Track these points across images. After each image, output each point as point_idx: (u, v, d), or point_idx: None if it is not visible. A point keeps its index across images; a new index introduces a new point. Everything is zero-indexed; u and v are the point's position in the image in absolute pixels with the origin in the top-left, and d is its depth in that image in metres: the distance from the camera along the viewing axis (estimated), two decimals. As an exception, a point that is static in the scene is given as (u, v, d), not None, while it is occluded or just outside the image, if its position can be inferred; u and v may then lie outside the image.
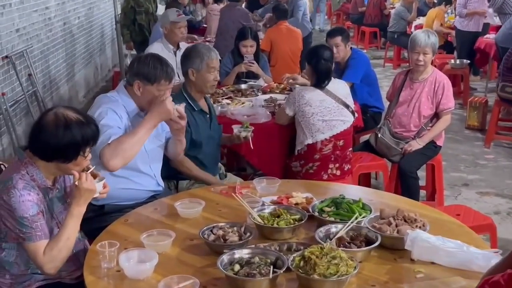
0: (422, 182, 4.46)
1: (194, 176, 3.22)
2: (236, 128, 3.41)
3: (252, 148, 3.32)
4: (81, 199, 2.14)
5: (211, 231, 2.23)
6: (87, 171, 2.18)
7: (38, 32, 6.20)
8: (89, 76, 8.39)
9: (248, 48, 4.97)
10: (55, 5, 6.85)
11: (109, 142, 2.51)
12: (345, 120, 3.73)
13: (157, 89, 2.74)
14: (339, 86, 3.79)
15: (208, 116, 3.35)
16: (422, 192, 4.54)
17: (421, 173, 4.45)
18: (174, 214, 2.50)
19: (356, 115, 3.95)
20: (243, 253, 2.03)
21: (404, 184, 4.14)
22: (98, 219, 2.68)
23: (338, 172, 3.80)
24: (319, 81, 3.69)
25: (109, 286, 1.97)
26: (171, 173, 3.23)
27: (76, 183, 2.13)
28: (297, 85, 3.85)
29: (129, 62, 4.09)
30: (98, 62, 9.01)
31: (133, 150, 2.55)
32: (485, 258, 2.01)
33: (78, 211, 2.15)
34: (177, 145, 2.98)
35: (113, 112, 2.67)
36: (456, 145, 6.15)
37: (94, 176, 2.21)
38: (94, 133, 2.18)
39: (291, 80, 4.52)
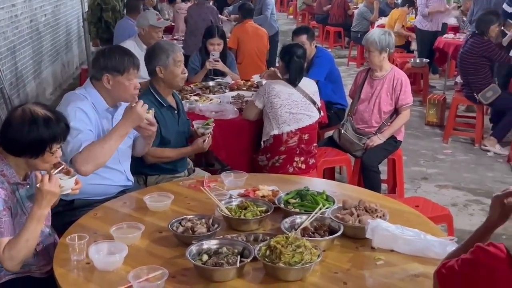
0: (383, 176, 4.57)
1: (167, 156, 3.21)
2: (196, 124, 3.41)
3: (206, 148, 3.32)
4: (43, 201, 2.07)
5: (180, 223, 2.24)
6: (58, 168, 2.16)
7: (4, 30, 6.08)
8: (56, 73, 8.26)
9: (215, 46, 4.99)
10: (21, 2, 6.73)
11: (80, 150, 2.50)
12: (311, 115, 3.79)
13: (127, 78, 2.73)
14: (308, 84, 3.86)
15: (176, 112, 3.35)
16: (384, 186, 4.64)
17: (383, 168, 4.55)
18: (143, 208, 2.50)
19: (322, 113, 4.02)
20: (211, 244, 2.05)
21: (366, 178, 4.23)
22: (67, 214, 2.66)
23: (303, 166, 3.85)
24: (291, 77, 3.75)
25: (79, 278, 1.97)
26: (140, 168, 3.23)
27: (38, 185, 2.08)
28: (267, 80, 3.89)
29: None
30: (65, 60, 8.87)
31: (105, 158, 2.57)
32: (442, 245, 2.07)
33: (40, 213, 2.08)
34: (146, 146, 3.00)
35: (82, 112, 2.65)
36: (416, 141, 6.29)
37: (67, 172, 2.19)
38: (62, 131, 2.16)
39: (270, 73, 4.55)
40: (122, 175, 2.91)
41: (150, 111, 2.76)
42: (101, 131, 2.74)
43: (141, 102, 2.66)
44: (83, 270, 2.01)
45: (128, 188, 2.93)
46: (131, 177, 2.99)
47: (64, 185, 2.16)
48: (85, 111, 2.67)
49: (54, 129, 2.12)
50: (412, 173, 5.32)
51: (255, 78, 4.97)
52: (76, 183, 2.24)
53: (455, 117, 6.40)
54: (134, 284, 1.85)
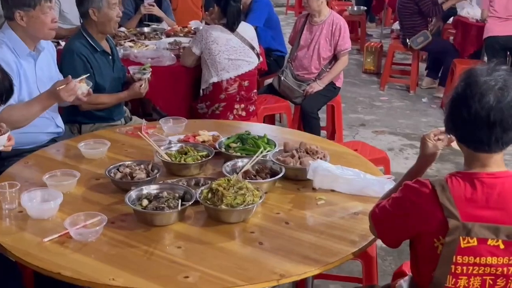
0: (323, 123, 4.62)
1: (102, 102, 3.10)
2: (132, 69, 3.29)
3: (143, 93, 3.21)
4: None
5: (118, 169, 2.19)
6: None
7: None
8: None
9: (150, -10, 4.81)
10: None
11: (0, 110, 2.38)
12: (250, 61, 3.74)
13: (41, 12, 2.60)
14: (246, 29, 3.79)
15: (110, 57, 3.22)
16: (323, 133, 4.70)
17: (322, 115, 4.59)
18: (78, 156, 2.43)
19: (261, 58, 3.97)
20: (151, 189, 2.02)
21: (306, 124, 4.27)
22: (-5, 165, 2.54)
23: (244, 113, 3.83)
24: (229, 22, 3.65)
25: (11, 227, 1.89)
26: (73, 116, 3.11)
27: None
28: (205, 24, 3.79)
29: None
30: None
31: (25, 123, 2.49)
32: (380, 183, 2.12)
33: None
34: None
35: (1, 61, 2.49)
36: (354, 89, 6.38)
37: None
38: (6, 91, 2.06)
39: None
40: (50, 121, 2.79)
41: (84, 80, 2.66)
42: (23, 78, 2.61)
43: (73, 82, 2.52)
44: (16, 218, 1.93)
45: (59, 135, 2.83)
46: (61, 124, 2.88)
47: None
48: (4, 60, 2.52)
49: None
50: (350, 120, 5.41)
51: (192, 24, 4.84)
52: (9, 139, 2.13)
53: (391, 64, 6.51)
54: (71, 231, 1.80)
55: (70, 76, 2.54)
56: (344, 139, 4.76)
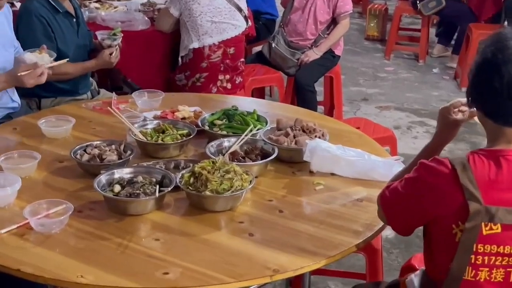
0: (319, 98, 4.63)
1: (66, 72, 3.06)
2: (100, 35, 3.24)
3: (114, 62, 3.18)
4: None
5: (85, 150, 2.18)
6: None
7: None
8: None
9: None
10: None
11: None
12: (236, 24, 3.72)
13: None
14: (232, -13, 3.75)
15: (74, 20, 3.17)
16: (320, 108, 4.71)
17: (319, 88, 4.60)
18: (38, 135, 2.41)
19: (250, 22, 3.95)
20: (123, 173, 2.01)
21: (301, 99, 4.28)
22: None
23: (229, 85, 3.82)
24: None
25: (-39, 217, 1.88)
26: (31, 89, 3.05)
27: None
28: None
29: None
30: None
31: None
32: (387, 166, 2.13)
33: None
34: None
35: None
36: (355, 58, 6.39)
37: None
38: None
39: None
40: (3, 95, 2.76)
41: (45, 50, 2.66)
42: None
43: (42, 67, 2.53)
44: (-34, 207, 1.92)
45: (15, 111, 2.81)
46: (17, 98, 2.86)
47: None
48: None
49: None
50: (351, 94, 5.43)
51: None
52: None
53: (398, 30, 6.51)
54: (32, 221, 1.78)
55: (37, 62, 2.55)
56: (344, 115, 4.78)
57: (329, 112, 4.75)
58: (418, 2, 5.95)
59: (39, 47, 2.74)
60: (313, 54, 4.28)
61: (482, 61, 1.51)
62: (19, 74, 2.51)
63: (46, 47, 2.75)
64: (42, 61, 2.64)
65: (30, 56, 2.69)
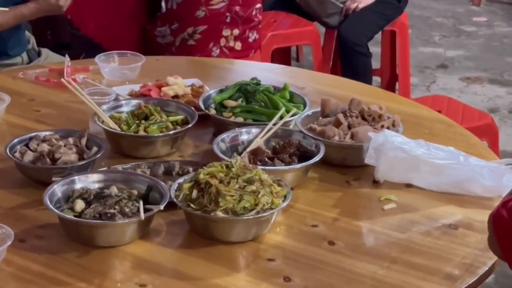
0: (375, 64, 4.63)
1: None
2: None
3: (64, 8, 3.21)
4: None
5: (27, 146, 2.21)
6: None
7: None
8: None
9: None
10: None
11: None
12: None
13: None
14: None
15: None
16: (375, 81, 4.72)
17: (374, 49, 4.60)
18: (-47, 120, 2.47)
19: None
20: (88, 181, 2.03)
21: (348, 65, 4.36)
22: None
23: (238, 45, 3.87)
24: None
25: None
26: None
27: None
28: None
29: None
30: None
31: None
32: (495, 174, 2.13)
33: None
34: None
35: None
36: (427, 2, 6.39)
37: None
38: None
39: None
40: None
41: None
42: None
43: None
44: None
45: None
46: None
47: None
48: None
49: None
50: (422, 58, 5.46)
51: None
52: None
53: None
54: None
55: None
56: (413, 91, 4.79)
57: (389, 85, 4.82)
58: None
59: None
60: (365, -1, 4.33)
61: None
62: None
63: None
64: None
65: None
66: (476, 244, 1.80)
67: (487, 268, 1.84)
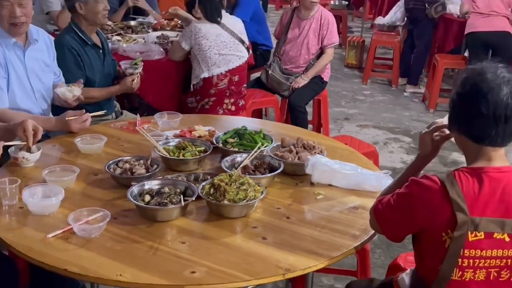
0: (309, 117, 4.63)
1: (93, 96, 3.06)
2: (123, 64, 3.26)
3: (135, 88, 3.21)
4: None
5: (117, 165, 2.18)
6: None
7: None
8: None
9: (136, -18, 4.76)
10: None
11: None
12: (240, 55, 3.74)
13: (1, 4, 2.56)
14: (235, 22, 3.79)
15: (101, 51, 3.18)
16: (310, 127, 4.71)
17: (308, 109, 4.61)
18: (74, 151, 2.40)
19: (251, 52, 3.97)
20: (152, 184, 2.00)
21: (294, 118, 4.30)
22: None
23: (233, 108, 3.83)
24: (208, 15, 3.63)
25: (11, 222, 1.87)
26: (63, 111, 3.05)
27: None
28: (193, 20, 3.77)
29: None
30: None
31: None
32: (378, 178, 2.14)
33: None
34: None
35: None
36: (337, 83, 6.43)
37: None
38: None
39: (171, 11, 4.34)
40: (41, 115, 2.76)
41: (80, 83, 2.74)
42: (12, 70, 2.62)
43: (87, 115, 2.62)
44: (16, 214, 1.91)
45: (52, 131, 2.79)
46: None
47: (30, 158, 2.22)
48: None
49: None
50: (335, 114, 5.45)
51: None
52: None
53: (374, 59, 6.57)
54: (75, 227, 1.78)
55: (84, 110, 2.63)
56: (330, 133, 4.79)
57: (317, 129, 4.76)
58: (427, 6, 5.92)
59: (72, 76, 2.84)
60: (302, 81, 4.31)
61: (466, 92, 1.51)
62: (67, 119, 2.55)
63: (78, 82, 2.80)
64: (72, 93, 2.71)
65: (62, 90, 2.74)
66: (368, 218, 1.76)
67: (373, 232, 1.84)
